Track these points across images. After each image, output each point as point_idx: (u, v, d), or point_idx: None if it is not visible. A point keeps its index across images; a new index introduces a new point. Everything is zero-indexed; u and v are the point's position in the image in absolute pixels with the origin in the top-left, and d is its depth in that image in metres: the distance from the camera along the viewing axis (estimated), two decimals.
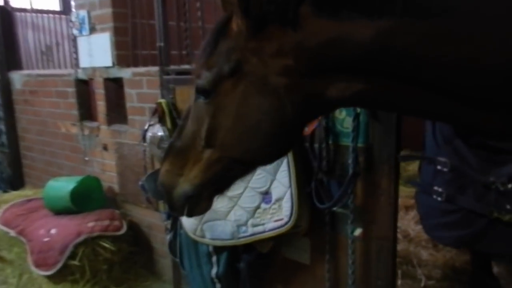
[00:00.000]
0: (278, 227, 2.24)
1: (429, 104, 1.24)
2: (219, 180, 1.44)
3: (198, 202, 1.48)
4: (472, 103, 1.21)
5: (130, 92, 3.57)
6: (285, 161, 2.26)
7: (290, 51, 1.19)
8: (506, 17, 1.06)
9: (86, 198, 3.76)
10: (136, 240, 3.76)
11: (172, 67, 3.04)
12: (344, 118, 2.17)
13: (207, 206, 1.53)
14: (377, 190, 2.11)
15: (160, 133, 2.80)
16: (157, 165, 3.07)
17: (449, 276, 3.13)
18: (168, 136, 2.79)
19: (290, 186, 2.22)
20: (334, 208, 2.20)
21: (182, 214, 1.53)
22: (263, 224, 2.31)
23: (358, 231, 2.18)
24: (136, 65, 3.54)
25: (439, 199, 1.71)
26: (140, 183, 2.94)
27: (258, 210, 2.33)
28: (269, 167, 2.31)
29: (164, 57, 3.01)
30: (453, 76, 1.16)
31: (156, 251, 3.69)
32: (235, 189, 2.34)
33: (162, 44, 2.99)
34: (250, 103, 1.27)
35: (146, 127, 2.92)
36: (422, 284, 3.11)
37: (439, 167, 1.69)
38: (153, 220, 3.57)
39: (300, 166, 2.26)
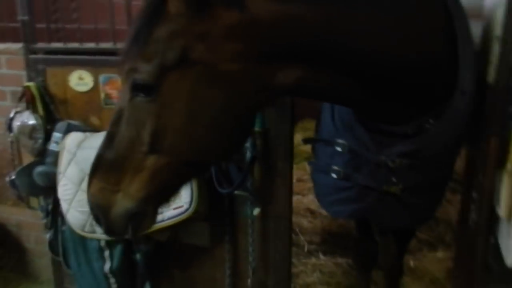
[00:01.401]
0: (178, 215, 2.20)
1: (349, 92, 1.35)
2: (166, 189, 1.29)
3: (143, 219, 1.29)
4: (379, 88, 1.37)
5: None
6: None
7: (239, 35, 1.12)
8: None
9: None
10: (2, 241, 3.31)
11: (40, 44, 2.67)
12: None
13: (153, 220, 1.34)
14: (274, 172, 2.21)
15: (32, 122, 2.46)
16: (26, 158, 2.70)
17: (328, 240, 3.48)
18: (41, 124, 2.47)
19: None
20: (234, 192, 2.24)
21: (123, 236, 1.32)
22: (161, 213, 2.23)
23: (256, 211, 2.27)
24: None
25: (336, 177, 1.84)
26: (8, 178, 2.57)
27: None
28: None
29: (30, 33, 2.62)
30: (378, 60, 1.28)
31: (29, 251, 3.30)
32: None
33: (26, 17, 2.59)
34: (201, 96, 1.14)
35: (11, 114, 2.53)
36: (306, 250, 3.41)
37: (338, 149, 1.80)
38: (23, 218, 3.17)
39: None
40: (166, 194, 1.33)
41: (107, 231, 1.34)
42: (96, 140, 2.32)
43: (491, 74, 1.49)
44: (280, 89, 1.26)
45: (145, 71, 1.13)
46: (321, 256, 3.32)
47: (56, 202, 2.52)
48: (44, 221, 2.55)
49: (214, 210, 2.34)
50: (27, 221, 3.18)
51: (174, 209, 2.21)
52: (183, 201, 2.18)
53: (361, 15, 1.20)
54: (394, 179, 1.70)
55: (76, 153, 2.32)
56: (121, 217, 1.26)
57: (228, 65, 1.14)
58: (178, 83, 1.13)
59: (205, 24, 1.11)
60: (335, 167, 1.84)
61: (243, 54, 1.14)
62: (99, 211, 1.30)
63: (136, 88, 1.17)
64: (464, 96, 1.48)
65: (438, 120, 1.53)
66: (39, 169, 2.41)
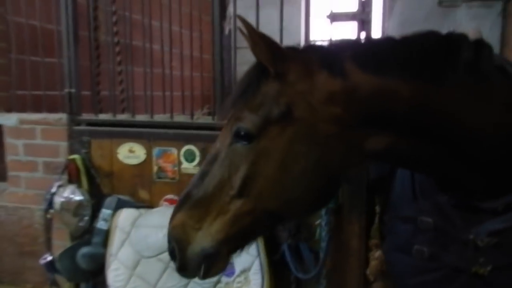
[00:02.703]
0: None
1: (440, 162, 1.39)
2: (244, 236, 1.31)
3: (216, 261, 1.30)
4: (470, 162, 1.40)
5: (13, 143, 2.88)
6: None
7: (339, 100, 1.22)
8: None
9: None
10: None
11: (84, 115, 2.57)
12: None
13: (224, 265, 1.35)
14: (348, 252, 2.08)
15: (78, 198, 2.29)
16: (61, 236, 2.49)
17: None
18: (89, 201, 2.30)
19: (259, 254, 2.03)
20: (300, 275, 2.08)
21: (195, 276, 1.32)
22: None
23: None
24: (23, 110, 2.89)
25: (419, 257, 1.74)
26: (43, 260, 2.34)
27: (219, 285, 2.05)
28: None
29: (76, 104, 2.52)
30: (466, 135, 1.34)
31: None
32: None
33: (73, 90, 2.50)
34: (297, 151, 1.22)
35: (53, 189, 2.36)
36: None
37: (422, 226, 1.73)
38: None
39: None
40: (242, 240, 1.35)
41: (180, 268, 1.34)
42: (153, 217, 2.17)
43: None
44: (371, 153, 1.32)
45: (250, 121, 1.22)
46: None
47: None
48: None
49: None
50: None
51: None
52: (251, 287, 2.00)
53: (449, 91, 1.28)
54: (481, 260, 1.62)
55: (131, 233, 2.14)
56: (197, 255, 1.28)
57: (326, 126, 1.22)
58: (278, 136, 1.22)
59: (309, 86, 1.22)
60: (418, 246, 1.74)
61: (340, 118, 1.23)
62: (177, 245, 1.31)
63: (238, 135, 1.24)
64: None
65: None
66: (85, 250, 2.20)
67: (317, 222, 2.06)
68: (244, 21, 1.20)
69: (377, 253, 2.27)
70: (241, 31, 1.34)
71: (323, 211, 2.00)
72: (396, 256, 1.95)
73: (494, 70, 1.48)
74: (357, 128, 1.25)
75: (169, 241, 1.34)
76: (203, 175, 1.30)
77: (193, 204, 1.29)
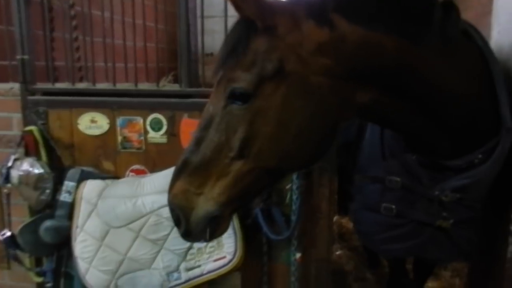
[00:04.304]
0: (220, 267, 2.02)
1: (415, 121, 1.48)
2: (246, 195, 1.34)
3: (221, 223, 1.34)
4: (440, 122, 1.49)
5: None
6: None
7: (329, 51, 1.23)
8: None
9: None
10: None
11: (39, 84, 2.42)
12: None
13: (228, 225, 1.40)
14: (317, 214, 2.14)
15: (38, 170, 2.17)
16: (19, 212, 2.36)
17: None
18: (50, 173, 2.19)
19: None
20: (273, 237, 2.12)
21: (201, 239, 1.36)
22: (199, 266, 2.04)
23: (297, 256, 2.15)
24: None
25: (387, 214, 1.82)
26: (2, 236, 2.22)
27: (191, 251, 2.04)
28: None
29: (29, 72, 2.36)
30: (437, 95, 1.42)
31: None
32: (159, 230, 2.02)
33: (25, 56, 2.34)
34: (292, 106, 1.23)
35: (9, 163, 2.22)
36: None
37: (390, 185, 1.80)
38: (11, 282, 2.73)
39: None
40: (243, 200, 1.37)
41: (185, 234, 1.36)
42: (120, 187, 2.12)
43: None
44: (358, 107, 1.37)
45: (245, 80, 1.21)
46: None
47: (59, 262, 2.22)
48: (49, 285, 2.20)
49: (247, 258, 2.19)
50: (6, 284, 2.75)
51: (215, 260, 2.03)
52: (225, 251, 2.01)
53: (425, 51, 1.34)
54: (445, 214, 1.72)
55: (98, 204, 2.07)
56: (202, 219, 1.30)
57: (317, 78, 1.25)
58: (273, 92, 1.23)
59: (298, 38, 1.23)
60: (387, 204, 1.82)
61: (330, 69, 1.26)
62: (181, 212, 1.31)
63: (234, 96, 1.23)
64: (509, 133, 1.56)
65: (487, 156, 1.59)
66: (48, 223, 2.11)
67: (288, 186, 2.09)
68: None
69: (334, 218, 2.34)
70: None
71: (294, 175, 2.03)
72: (365, 215, 2.03)
73: (460, 34, 1.55)
74: (347, 80, 1.29)
75: (172, 209, 1.34)
76: (198, 140, 1.29)
77: (192, 170, 1.29)
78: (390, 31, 1.28)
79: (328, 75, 1.25)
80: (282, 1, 1.30)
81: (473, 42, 1.61)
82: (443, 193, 1.66)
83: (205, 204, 1.28)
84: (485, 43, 1.62)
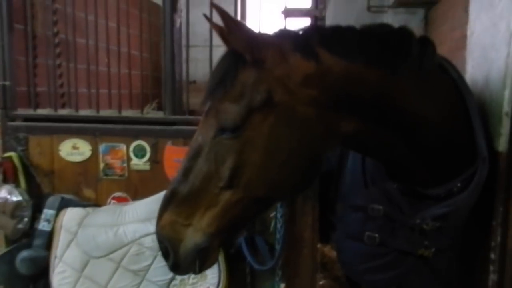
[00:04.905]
0: None
1: (394, 149, 1.52)
2: (234, 225, 1.33)
3: (209, 255, 1.32)
4: (418, 150, 1.53)
5: None
6: None
7: (314, 83, 1.27)
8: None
9: None
10: None
11: (20, 110, 2.39)
12: None
13: (217, 257, 1.39)
14: (301, 243, 2.13)
15: (16, 198, 2.12)
16: None
17: None
18: (28, 201, 2.14)
19: None
20: (257, 267, 2.10)
21: (189, 272, 1.35)
22: None
23: (281, 286, 2.14)
24: None
25: (370, 243, 1.83)
26: None
27: (174, 282, 2.01)
28: None
29: (10, 98, 2.33)
30: (414, 123, 1.46)
31: None
32: (141, 260, 1.99)
33: (7, 82, 2.31)
34: (280, 135, 1.26)
35: None
36: None
37: (372, 214, 1.81)
38: None
39: None
40: (232, 230, 1.37)
41: (174, 267, 1.33)
42: (101, 216, 2.08)
43: (503, 144, 1.67)
44: (342, 135, 1.41)
45: (233, 112, 1.23)
46: None
47: None
48: None
49: None
50: None
51: None
52: (208, 282, 1.99)
53: (403, 82, 1.40)
54: (426, 243, 1.74)
55: (77, 233, 2.03)
56: (191, 251, 1.28)
57: (304, 107, 1.28)
58: (261, 123, 1.25)
59: (286, 70, 1.26)
60: (370, 233, 1.83)
61: (316, 99, 1.29)
62: (169, 244, 1.29)
63: (224, 128, 1.25)
64: (485, 162, 1.62)
65: (465, 184, 1.64)
66: (25, 253, 2.05)
67: (272, 214, 2.10)
68: (218, 9, 1.20)
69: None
70: (209, 20, 1.34)
71: (278, 204, 2.03)
72: (347, 244, 2.02)
73: (435, 67, 1.61)
74: (332, 110, 1.32)
75: (160, 241, 1.32)
76: (187, 170, 1.29)
77: (180, 201, 1.28)
78: (371, 62, 1.33)
79: (314, 105, 1.29)
80: (269, 35, 1.33)
81: (448, 75, 1.67)
82: (424, 222, 1.67)
83: (193, 235, 1.27)
84: (459, 76, 1.69)
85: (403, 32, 1.44)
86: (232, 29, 1.22)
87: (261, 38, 1.28)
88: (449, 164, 1.63)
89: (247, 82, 1.24)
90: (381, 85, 1.36)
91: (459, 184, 1.64)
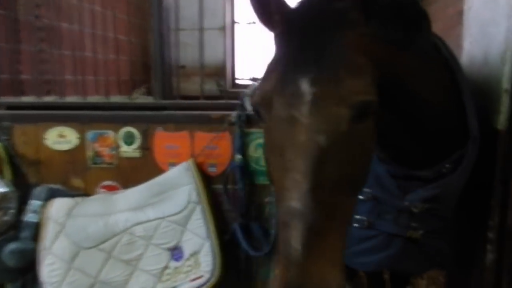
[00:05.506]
0: (197, 287, 1.93)
1: (394, 132, 1.48)
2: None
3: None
4: (415, 132, 1.50)
5: None
6: (198, 208, 1.98)
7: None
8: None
9: None
10: None
11: (4, 98, 2.30)
12: (259, 156, 2.07)
13: None
14: None
15: (1, 189, 2.04)
16: None
17: None
18: (14, 192, 2.06)
19: (209, 236, 1.96)
20: (253, 253, 2.05)
21: None
22: (175, 287, 1.95)
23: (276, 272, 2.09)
24: None
25: (359, 226, 1.80)
26: None
27: (167, 271, 1.95)
28: (178, 217, 1.98)
29: None
30: (414, 105, 1.42)
31: None
32: (133, 249, 1.93)
33: None
34: (372, 128, 1.12)
35: None
36: None
37: (361, 197, 1.78)
38: None
39: (215, 212, 2.03)
40: None
41: None
42: (91, 205, 2.02)
43: (502, 122, 1.64)
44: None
45: (370, 92, 1.11)
46: None
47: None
48: None
49: (225, 275, 2.11)
50: None
51: (192, 280, 1.94)
52: (203, 270, 1.93)
53: (407, 58, 1.33)
54: (414, 225, 1.72)
55: (66, 224, 1.96)
56: None
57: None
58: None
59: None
60: (358, 216, 1.81)
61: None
62: None
63: (361, 114, 1.09)
64: (475, 142, 1.59)
65: (455, 165, 1.61)
66: (12, 246, 1.97)
67: (266, 199, 2.05)
68: None
69: None
70: None
71: (272, 188, 1.98)
72: None
73: (430, 44, 1.57)
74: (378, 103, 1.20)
75: None
76: (313, 190, 0.94)
77: (318, 236, 0.92)
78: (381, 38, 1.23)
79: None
80: None
81: (440, 54, 1.63)
82: (413, 204, 1.65)
83: (333, 274, 0.91)
84: (452, 55, 1.65)
85: (416, 4, 1.37)
86: None
87: None
88: (442, 145, 1.60)
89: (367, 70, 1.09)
90: (393, 64, 1.27)
91: (448, 165, 1.61)
